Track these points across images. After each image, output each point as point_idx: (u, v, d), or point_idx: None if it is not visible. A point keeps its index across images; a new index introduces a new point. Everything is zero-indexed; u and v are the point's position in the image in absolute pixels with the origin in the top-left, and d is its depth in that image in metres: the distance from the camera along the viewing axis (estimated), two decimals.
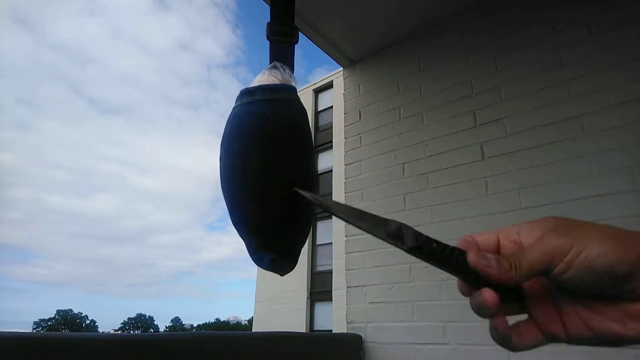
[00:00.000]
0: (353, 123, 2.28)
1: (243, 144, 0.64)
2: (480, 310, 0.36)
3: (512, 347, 0.38)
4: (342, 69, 2.45)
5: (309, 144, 0.70)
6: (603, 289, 0.33)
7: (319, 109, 16.41)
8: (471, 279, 0.36)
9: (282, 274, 0.68)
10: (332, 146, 13.83)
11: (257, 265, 0.66)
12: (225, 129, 0.68)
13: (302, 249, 0.71)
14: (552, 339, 0.37)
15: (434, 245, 0.36)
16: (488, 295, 0.35)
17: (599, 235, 0.33)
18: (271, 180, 0.64)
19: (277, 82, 0.68)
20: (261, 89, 0.66)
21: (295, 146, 0.67)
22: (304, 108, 0.70)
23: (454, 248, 0.36)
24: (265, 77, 0.68)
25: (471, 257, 0.36)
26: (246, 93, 0.67)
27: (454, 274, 0.36)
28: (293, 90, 0.69)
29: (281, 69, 0.70)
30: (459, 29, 1.99)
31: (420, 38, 2.13)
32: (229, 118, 0.68)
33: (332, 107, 15.20)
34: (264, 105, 0.65)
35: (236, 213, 0.66)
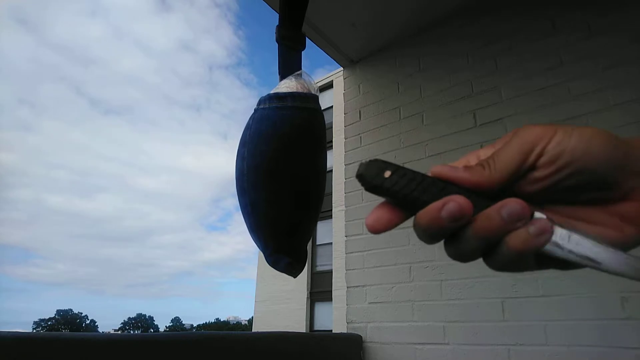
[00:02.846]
0: (353, 123, 2.28)
1: (273, 148, 0.65)
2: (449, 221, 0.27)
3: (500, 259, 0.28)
4: (342, 69, 2.45)
5: (326, 153, 0.73)
6: (596, 185, 0.28)
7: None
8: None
9: (295, 276, 0.70)
10: (332, 146, 13.82)
11: (273, 267, 0.68)
12: (249, 130, 0.68)
13: None
14: (542, 263, 0.29)
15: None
16: (458, 199, 0.27)
17: (586, 126, 0.29)
18: (295, 187, 0.65)
19: (305, 90, 0.69)
20: (292, 96, 0.67)
21: (319, 155, 0.70)
22: (324, 118, 0.73)
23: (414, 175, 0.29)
24: (293, 84, 0.69)
25: (434, 168, 0.29)
26: (276, 98, 0.67)
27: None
28: (318, 100, 0.70)
29: (307, 78, 0.72)
30: (459, 29, 1.99)
31: (420, 38, 2.13)
32: (254, 119, 0.68)
33: (332, 107, 15.19)
34: (297, 113, 0.66)
35: (255, 216, 0.66)
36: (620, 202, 0.29)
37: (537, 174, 0.28)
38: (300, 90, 0.68)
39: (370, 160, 0.29)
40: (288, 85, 0.69)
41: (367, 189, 0.29)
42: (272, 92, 0.68)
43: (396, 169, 0.29)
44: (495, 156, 0.29)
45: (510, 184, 0.29)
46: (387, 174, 0.29)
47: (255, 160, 0.65)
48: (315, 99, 0.69)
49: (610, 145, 0.28)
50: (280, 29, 0.76)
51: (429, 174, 0.30)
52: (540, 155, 0.28)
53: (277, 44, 0.76)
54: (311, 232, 0.71)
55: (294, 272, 0.68)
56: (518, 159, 0.28)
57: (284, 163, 0.64)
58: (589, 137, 0.28)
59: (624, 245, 0.29)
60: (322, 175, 0.70)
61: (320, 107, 0.70)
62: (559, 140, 0.28)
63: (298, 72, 0.72)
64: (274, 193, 0.64)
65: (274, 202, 0.64)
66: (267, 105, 0.67)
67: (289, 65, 0.74)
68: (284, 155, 0.64)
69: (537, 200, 0.30)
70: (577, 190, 0.29)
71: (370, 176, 0.29)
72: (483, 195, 0.28)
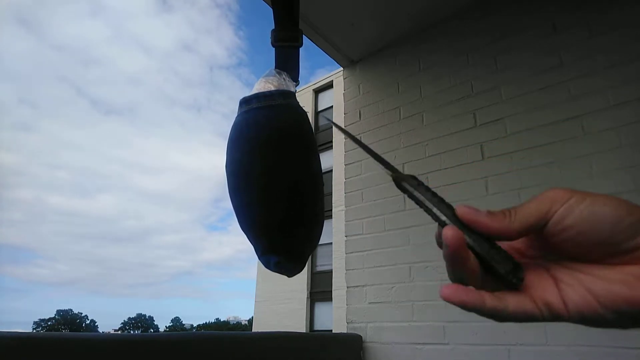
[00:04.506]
0: (353, 123, 2.28)
1: (243, 152, 0.66)
2: (450, 257, 0.32)
3: (497, 313, 0.32)
4: (342, 69, 2.45)
5: (309, 144, 0.70)
6: (605, 246, 0.30)
7: (319, 109, 16.40)
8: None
9: (289, 276, 0.69)
10: (332, 146, 13.82)
11: (265, 267, 0.68)
12: (228, 139, 0.69)
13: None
14: (549, 313, 0.31)
15: (425, 187, 0.35)
16: (449, 230, 0.31)
17: (601, 193, 0.31)
18: (273, 184, 0.65)
19: (272, 88, 0.68)
20: (257, 97, 0.67)
21: (294, 149, 0.68)
22: (301, 110, 0.71)
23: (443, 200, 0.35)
24: (261, 85, 0.69)
25: (460, 209, 0.33)
26: (244, 102, 0.68)
27: (438, 222, 0.34)
28: (289, 94, 0.69)
29: (277, 75, 0.71)
30: (459, 30, 1.99)
31: (420, 38, 2.13)
32: (231, 128, 0.70)
33: (332, 107, 15.19)
34: (260, 113, 0.66)
35: (242, 218, 0.67)
36: (632, 265, 0.30)
37: (547, 230, 0.32)
38: (267, 89, 0.68)
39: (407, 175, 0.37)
40: (256, 87, 0.69)
41: (397, 186, 0.37)
42: (241, 98, 0.69)
43: (426, 188, 0.36)
44: (517, 208, 0.33)
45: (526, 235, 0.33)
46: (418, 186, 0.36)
47: (230, 167, 0.67)
48: (283, 94, 0.68)
49: (621, 211, 0.30)
50: (276, 32, 0.75)
51: (456, 212, 0.33)
52: (552, 215, 0.31)
53: (273, 48, 0.75)
54: (308, 229, 0.69)
55: (285, 270, 0.67)
56: (535, 216, 0.32)
57: (258, 166, 0.65)
58: (600, 203, 0.30)
59: (633, 303, 0.29)
60: (304, 166, 0.68)
61: (292, 101, 0.68)
62: (571, 204, 0.31)
63: (269, 71, 0.71)
64: (251, 196, 0.65)
65: (253, 204, 0.65)
66: (238, 112, 0.69)
67: (286, 64, 0.73)
68: (255, 159, 0.65)
69: (550, 254, 0.34)
70: (588, 248, 0.31)
71: (405, 181, 0.36)
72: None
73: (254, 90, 0.69)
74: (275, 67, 0.73)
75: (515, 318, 0.32)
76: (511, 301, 0.32)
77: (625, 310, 0.29)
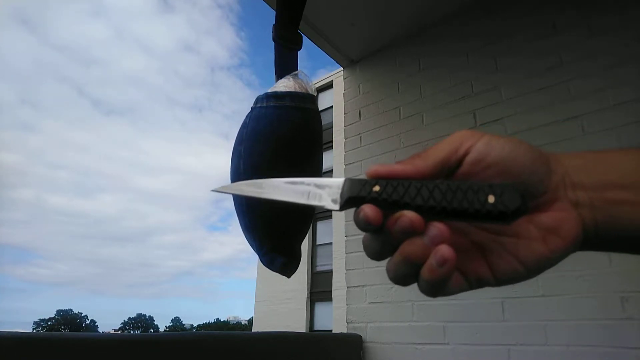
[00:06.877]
0: (353, 123, 2.28)
1: (270, 147, 0.65)
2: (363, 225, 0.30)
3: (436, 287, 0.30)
4: (342, 69, 2.45)
5: (322, 153, 0.74)
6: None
7: (319, 108, 16.40)
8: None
9: (289, 276, 0.70)
10: (332, 146, 13.81)
11: (267, 267, 0.68)
12: (246, 128, 0.68)
13: (302, 249, 0.73)
14: (477, 284, 0.32)
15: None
16: (367, 209, 0.29)
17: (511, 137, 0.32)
18: None
19: (303, 90, 0.69)
20: (291, 95, 0.67)
21: (315, 153, 0.70)
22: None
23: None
24: (291, 84, 0.69)
25: (372, 170, 0.31)
26: (274, 97, 0.67)
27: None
28: (315, 100, 0.71)
29: (305, 78, 0.72)
30: (459, 29, 1.99)
31: (420, 38, 2.13)
32: (251, 117, 0.68)
33: (332, 107, 15.19)
34: (295, 113, 0.66)
35: (250, 216, 0.66)
36: (544, 212, 0.31)
37: (465, 170, 0.31)
38: (298, 89, 0.69)
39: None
40: (286, 84, 0.69)
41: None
42: (269, 91, 0.68)
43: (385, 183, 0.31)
44: (428, 150, 0.32)
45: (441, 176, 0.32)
46: (377, 188, 0.31)
47: (252, 160, 0.65)
48: (312, 99, 0.70)
49: (534, 152, 0.31)
50: (277, 28, 0.75)
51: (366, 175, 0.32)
52: (467, 152, 0.31)
53: (273, 43, 0.76)
54: (306, 232, 0.71)
55: (288, 271, 0.68)
56: (447, 150, 0.31)
57: (282, 163, 0.64)
58: (514, 143, 0.31)
59: (550, 258, 0.30)
60: (317, 174, 0.70)
61: (317, 108, 0.71)
62: (486, 141, 0.31)
63: (295, 72, 0.72)
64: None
65: (270, 203, 0.65)
66: (264, 104, 0.67)
67: (285, 64, 0.75)
68: (282, 156, 0.65)
69: None
70: None
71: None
72: None
73: (282, 87, 0.68)
74: (275, 63, 0.74)
75: (450, 293, 0.31)
76: (453, 281, 0.31)
77: (545, 266, 0.30)
